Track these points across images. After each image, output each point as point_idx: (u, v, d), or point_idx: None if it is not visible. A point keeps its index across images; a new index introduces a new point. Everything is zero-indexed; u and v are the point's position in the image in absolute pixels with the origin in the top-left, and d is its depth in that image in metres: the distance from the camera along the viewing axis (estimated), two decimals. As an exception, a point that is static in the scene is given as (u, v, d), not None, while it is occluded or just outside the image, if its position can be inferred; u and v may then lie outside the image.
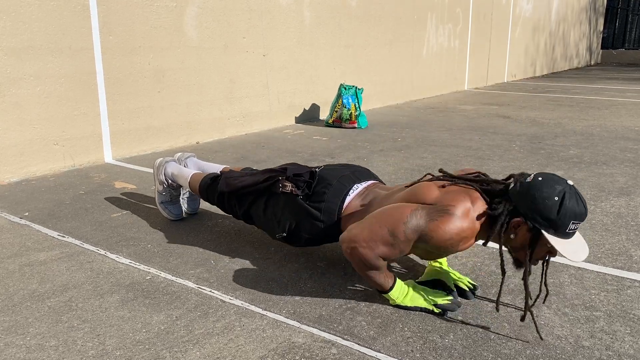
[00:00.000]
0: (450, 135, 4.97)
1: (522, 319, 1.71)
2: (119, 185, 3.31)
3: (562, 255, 1.62)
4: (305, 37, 5.51)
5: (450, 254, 1.76)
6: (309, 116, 5.80)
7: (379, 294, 1.94)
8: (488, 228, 1.74)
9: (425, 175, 1.96)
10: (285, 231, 2.08)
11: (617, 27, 18.98)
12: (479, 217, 1.72)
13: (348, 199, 2.02)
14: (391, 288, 1.84)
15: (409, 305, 1.84)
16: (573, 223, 1.62)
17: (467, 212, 1.70)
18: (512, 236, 1.71)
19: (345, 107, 5.33)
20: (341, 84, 5.41)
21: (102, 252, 2.33)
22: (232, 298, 1.93)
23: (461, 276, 2.00)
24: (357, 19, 6.20)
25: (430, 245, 1.72)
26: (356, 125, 5.35)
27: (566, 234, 1.64)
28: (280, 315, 1.82)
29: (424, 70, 7.76)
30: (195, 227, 2.61)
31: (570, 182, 1.66)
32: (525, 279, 1.69)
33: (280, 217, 2.11)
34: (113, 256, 2.29)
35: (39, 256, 2.28)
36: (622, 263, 2.23)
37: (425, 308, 1.83)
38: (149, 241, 2.45)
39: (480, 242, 2.10)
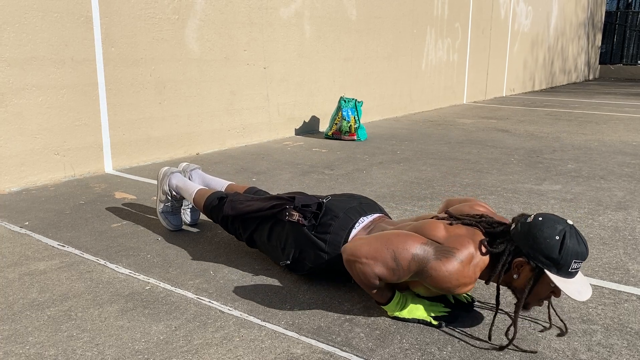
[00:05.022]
0: (449, 149, 5.00)
1: (502, 348, 1.70)
2: (119, 196, 3.32)
3: (566, 295, 1.65)
4: (305, 50, 5.55)
5: (447, 293, 1.76)
6: (309, 128, 5.83)
7: (377, 304, 1.95)
8: (491, 268, 1.75)
9: (429, 215, 1.95)
10: (289, 259, 2.10)
11: (615, 43, 19.13)
12: (481, 262, 1.73)
13: (354, 232, 2.03)
14: (388, 301, 1.85)
15: (406, 317, 1.85)
16: (575, 262, 1.64)
17: (470, 258, 1.71)
18: (515, 276, 1.72)
19: (345, 120, 5.36)
20: (341, 97, 5.44)
21: (102, 262, 2.34)
22: (231, 309, 1.93)
23: (459, 289, 2.01)
24: (356, 32, 6.26)
25: (428, 283, 1.73)
26: (355, 137, 5.37)
27: (569, 273, 1.65)
28: (279, 326, 1.82)
29: (423, 84, 7.81)
30: (194, 238, 2.62)
31: (570, 222, 1.68)
32: (516, 313, 1.70)
33: (284, 244, 2.12)
34: (113, 266, 2.30)
35: (39, 265, 2.29)
36: (620, 277, 2.24)
37: (423, 320, 1.84)
38: (148, 251, 2.45)
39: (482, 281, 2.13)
